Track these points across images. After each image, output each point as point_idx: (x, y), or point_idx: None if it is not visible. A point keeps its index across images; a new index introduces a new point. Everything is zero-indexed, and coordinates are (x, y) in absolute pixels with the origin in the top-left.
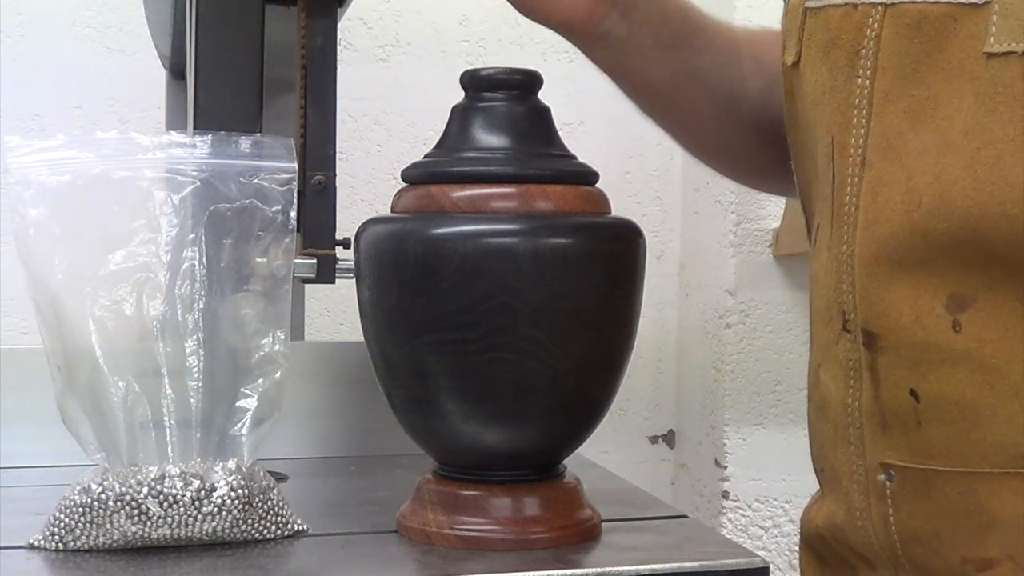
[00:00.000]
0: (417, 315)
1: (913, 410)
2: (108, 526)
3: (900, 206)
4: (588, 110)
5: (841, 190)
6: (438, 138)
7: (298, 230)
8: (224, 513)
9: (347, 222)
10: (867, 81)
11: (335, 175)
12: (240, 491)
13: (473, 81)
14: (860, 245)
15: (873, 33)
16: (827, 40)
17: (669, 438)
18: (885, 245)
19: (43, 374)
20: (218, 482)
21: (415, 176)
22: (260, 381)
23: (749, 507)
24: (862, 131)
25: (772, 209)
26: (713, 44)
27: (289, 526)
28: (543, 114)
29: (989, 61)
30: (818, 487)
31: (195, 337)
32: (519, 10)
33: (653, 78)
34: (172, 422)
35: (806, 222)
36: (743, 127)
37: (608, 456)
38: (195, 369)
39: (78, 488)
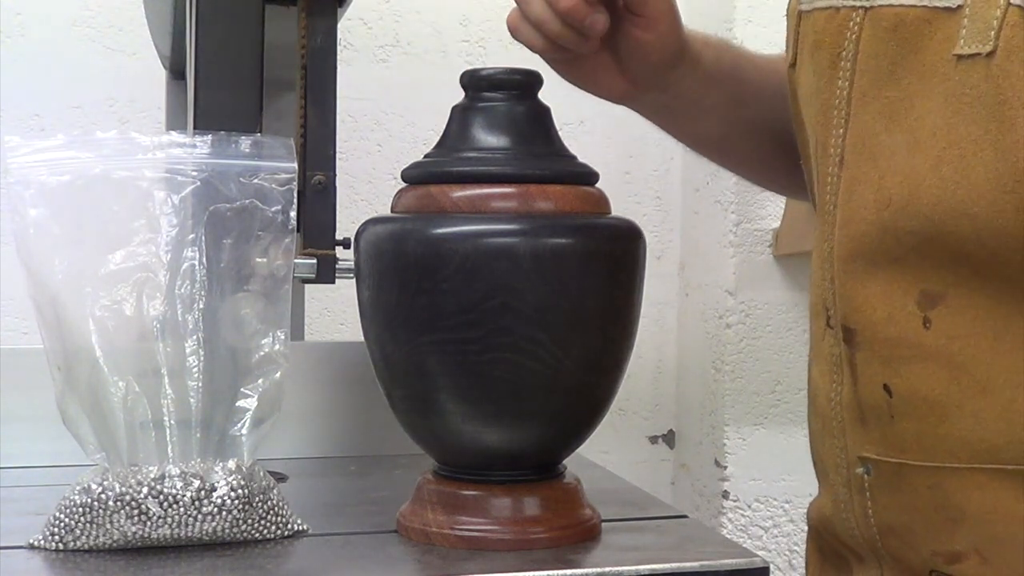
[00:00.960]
0: (417, 315)
1: (887, 405)
2: (108, 526)
3: (872, 205)
4: (588, 110)
5: (823, 189)
6: (438, 138)
7: (298, 230)
8: (224, 513)
9: (347, 222)
10: (846, 83)
11: (335, 175)
12: (240, 491)
13: (473, 81)
14: (838, 243)
15: (853, 36)
16: (813, 42)
17: (669, 438)
18: (859, 243)
19: (43, 374)
20: (218, 482)
21: (415, 176)
22: (260, 381)
23: (749, 507)
24: (841, 131)
25: (772, 209)
26: (761, 91)
27: (289, 526)
28: (543, 114)
29: (958, 63)
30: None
31: (195, 337)
32: (562, 77)
33: (699, 134)
34: (172, 422)
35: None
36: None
37: (608, 456)
38: (195, 369)
39: (78, 488)
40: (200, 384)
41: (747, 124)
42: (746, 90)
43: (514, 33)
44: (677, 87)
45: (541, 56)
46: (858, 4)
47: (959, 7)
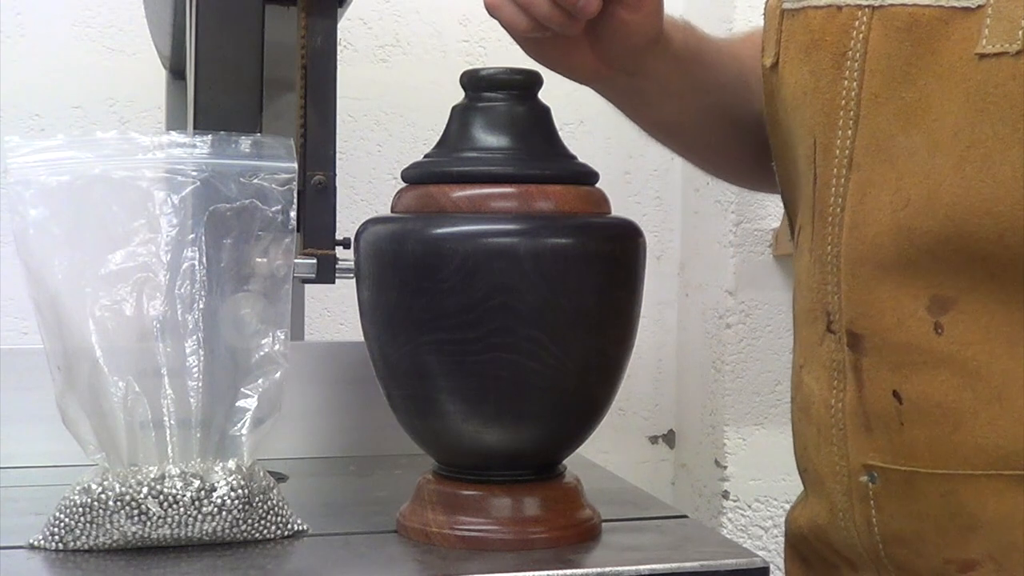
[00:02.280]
0: (417, 315)
1: (896, 411)
2: (108, 526)
3: (888, 206)
4: (588, 110)
5: (824, 191)
6: (438, 138)
7: (298, 230)
8: (224, 513)
9: (347, 222)
10: (855, 83)
11: (335, 175)
12: (240, 491)
13: (473, 81)
14: (846, 246)
15: (860, 35)
16: (808, 42)
17: (669, 438)
18: (871, 246)
19: (43, 374)
20: (218, 482)
21: (415, 176)
22: (260, 381)
23: (749, 507)
24: (849, 133)
25: (772, 209)
26: (721, 77)
27: (289, 526)
28: (543, 114)
29: (981, 62)
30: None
31: (195, 337)
32: (530, 56)
33: (664, 121)
34: (172, 422)
35: (788, 224)
36: (767, 152)
37: (608, 456)
38: (195, 369)
39: (78, 488)
40: (200, 384)
41: (710, 111)
42: (708, 75)
43: (494, 11)
44: (648, 70)
45: (516, 35)
46: (864, 3)
47: (979, 7)
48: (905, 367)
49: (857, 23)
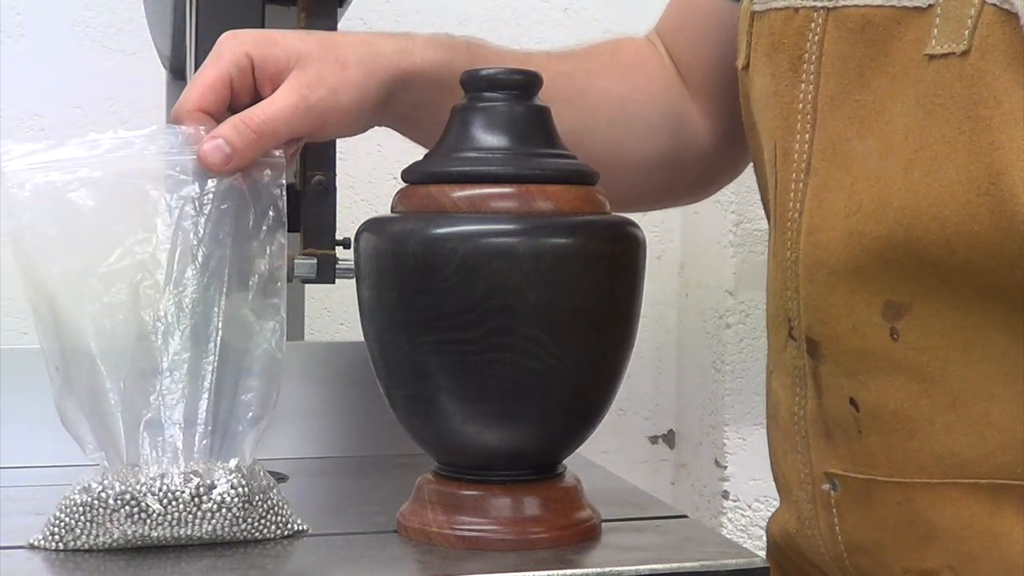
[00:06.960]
0: (417, 315)
1: (853, 419)
2: (108, 525)
3: (842, 211)
4: None
5: (784, 196)
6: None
7: (298, 230)
8: (224, 511)
9: (347, 222)
10: (811, 86)
11: (335, 175)
12: (240, 489)
13: (473, 81)
14: (804, 252)
15: (816, 37)
16: (769, 44)
17: (669, 438)
18: (825, 251)
19: (43, 374)
20: (218, 480)
21: (415, 176)
22: (259, 380)
23: (749, 507)
24: (807, 137)
25: None
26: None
27: (289, 526)
28: (543, 114)
29: (930, 63)
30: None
31: (193, 336)
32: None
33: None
34: (172, 422)
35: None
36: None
37: (608, 456)
38: (194, 368)
39: (78, 487)
40: (199, 383)
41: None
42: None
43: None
44: (399, 108)
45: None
46: (819, 4)
47: (929, 6)
48: (861, 374)
49: (813, 25)
